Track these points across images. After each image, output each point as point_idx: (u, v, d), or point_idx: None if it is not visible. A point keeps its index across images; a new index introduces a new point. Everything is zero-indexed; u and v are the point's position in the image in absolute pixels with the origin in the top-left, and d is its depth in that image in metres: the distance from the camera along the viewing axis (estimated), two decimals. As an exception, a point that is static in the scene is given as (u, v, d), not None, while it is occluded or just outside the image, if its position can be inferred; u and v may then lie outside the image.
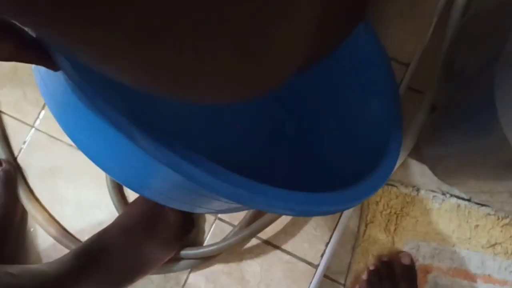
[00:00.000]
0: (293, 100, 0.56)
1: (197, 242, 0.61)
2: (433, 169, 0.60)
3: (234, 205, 0.39)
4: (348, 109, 0.52)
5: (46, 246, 0.65)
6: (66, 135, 0.33)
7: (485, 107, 0.44)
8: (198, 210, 0.47)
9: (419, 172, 0.63)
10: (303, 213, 0.34)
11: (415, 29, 0.63)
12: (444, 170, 0.58)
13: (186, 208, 0.42)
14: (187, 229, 0.59)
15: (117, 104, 0.28)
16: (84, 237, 0.64)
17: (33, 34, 0.23)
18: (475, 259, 0.61)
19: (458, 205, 0.62)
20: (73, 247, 0.63)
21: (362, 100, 0.51)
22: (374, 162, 0.43)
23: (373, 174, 0.40)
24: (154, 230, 0.54)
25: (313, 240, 0.60)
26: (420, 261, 0.61)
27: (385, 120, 0.48)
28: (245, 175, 0.30)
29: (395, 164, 0.44)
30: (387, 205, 0.62)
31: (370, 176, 0.40)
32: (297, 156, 0.54)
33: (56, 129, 0.65)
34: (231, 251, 0.60)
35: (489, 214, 0.61)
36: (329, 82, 0.56)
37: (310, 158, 0.53)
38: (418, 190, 0.62)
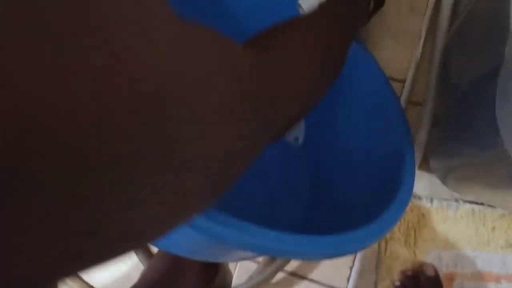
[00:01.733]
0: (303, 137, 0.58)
1: (225, 284, 0.62)
2: (444, 181, 0.61)
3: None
4: (358, 140, 0.53)
5: (75, 307, 0.66)
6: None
7: (486, 121, 0.44)
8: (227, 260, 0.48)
9: (430, 182, 0.64)
10: (337, 255, 0.35)
11: (406, 43, 0.65)
12: (455, 181, 0.59)
13: (212, 260, 0.43)
14: (213, 274, 0.60)
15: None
16: (111, 292, 0.65)
17: None
18: (497, 260, 0.62)
19: (473, 210, 0.63)
20: (103, 304, 0.63)
21: (370, 128, 0.52)
22: (390, 190, 0.44)
23: (394, 203, 0.41)
24: (181, 282, 0.55)
25: (338, 265, 0.61)
26: (443, 270, 0.62)
27: (396, 147, 0.49)
28: (266, 222, 0.31)
29: (412, 189, 0.45)
30: (404, 219, 0.63)
31: (390, 208, 0.41)
32: (312, 194, 0.55)
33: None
34: (259, 288, 0.61)
35: (503, 215, 0.62)
36: (335, 114, 0.57)
37: (325, 194, 0.54)
38: (431, 200, 0.63)
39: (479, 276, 0.62)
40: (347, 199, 0.50)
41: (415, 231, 0.63)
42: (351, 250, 0.34)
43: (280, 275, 0.61)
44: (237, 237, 0.29)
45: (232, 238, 0.29)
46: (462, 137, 0.53)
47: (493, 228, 0.62)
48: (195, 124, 0.16)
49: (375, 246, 0.63)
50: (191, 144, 0.16)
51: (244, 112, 0.22)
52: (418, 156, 0.62)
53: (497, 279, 0.62)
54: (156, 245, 0.38)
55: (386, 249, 0.63)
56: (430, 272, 0.60)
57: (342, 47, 0.41)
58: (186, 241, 0.34)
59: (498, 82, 0.40)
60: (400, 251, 0.63)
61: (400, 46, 0.64)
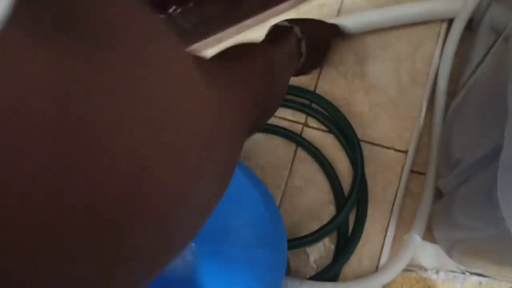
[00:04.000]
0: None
1: None
2: (448, 253, 0.60)
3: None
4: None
5: None
6: None
7: (487, 199, 0.44)
8: None
9: (435, 253, 0.63)
10: None
11: (408, 114, 0.66)
12: (459, 254, 0.58)
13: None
14: None
15: None
16: None
17: None
18: (507, 336, 0.60)
19: (480, 283, 0.62)
20: None
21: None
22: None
23: None
24: None
25: None
26: None
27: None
28: None
29: None
30: (410, 292, 0.62)
31: None
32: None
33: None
34: None
35: (511, 288, 0.61)
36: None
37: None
38: (437, 272, 0.63)
39: None
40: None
41: (421, 304, 0.62)
42: None
43: None
44: None
45: None
46: (465, 211, 0.52)
47: (502, 302, 0.61)
48: None
49: (381, 319, 0.62)
50: None
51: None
52: (421, 227, 0.61)
53: None
54: None
55: (392, 322, 0.61)
56: None
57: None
58: None
59: (499, 168, 0.40)
60: (407, 325, 0.61)
61: (402, 116, 0.66)
